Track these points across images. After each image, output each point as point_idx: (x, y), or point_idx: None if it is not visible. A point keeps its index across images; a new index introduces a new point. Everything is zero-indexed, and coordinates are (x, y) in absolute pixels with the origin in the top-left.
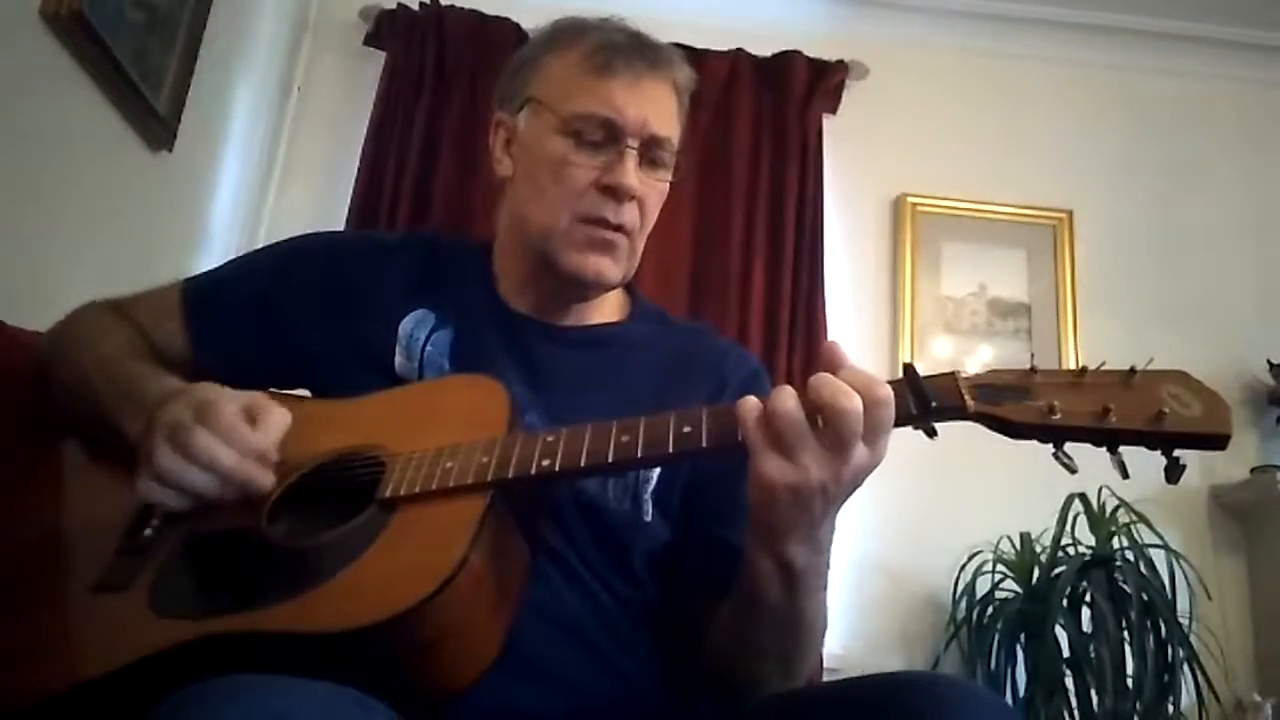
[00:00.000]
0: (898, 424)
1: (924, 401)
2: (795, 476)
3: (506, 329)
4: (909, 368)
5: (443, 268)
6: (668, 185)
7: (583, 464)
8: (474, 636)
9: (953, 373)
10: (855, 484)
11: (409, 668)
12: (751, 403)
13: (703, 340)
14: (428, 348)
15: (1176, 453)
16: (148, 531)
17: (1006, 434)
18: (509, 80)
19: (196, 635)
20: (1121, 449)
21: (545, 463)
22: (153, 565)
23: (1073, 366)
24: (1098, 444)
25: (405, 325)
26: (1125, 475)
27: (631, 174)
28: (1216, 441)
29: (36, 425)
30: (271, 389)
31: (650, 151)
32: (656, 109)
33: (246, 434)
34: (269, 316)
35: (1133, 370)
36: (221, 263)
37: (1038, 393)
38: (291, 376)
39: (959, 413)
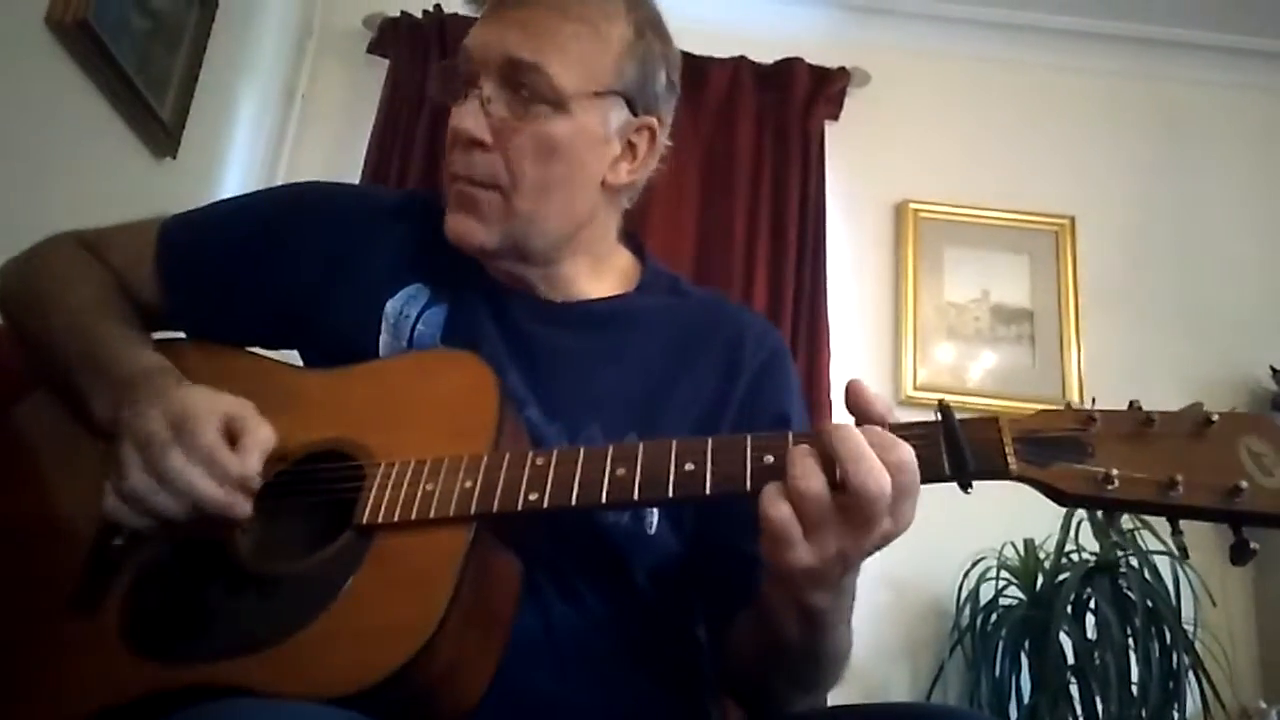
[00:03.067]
0: (927, 480)
1: (959, 460)
2: (815, 558)
3: (496, 305)
4: (945, 410)
5: (441, 234)
6: (554, 123)
7: (573, 503)
8: (463, 676)
9: (995, 418)
10: (877, 549)
11: (398, 714)
12: (773, 490)
13: (716, 314)
14: (419, 326)
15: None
16: (117, 540)
17: (1055, 502)
18: None
19: (170, 685)
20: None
21: (532, 497)
22: (122, 582)
23: (1127, 407)
24: (1158, 515)
25: (394, 303)
26: (1185, 556)
27: (465, 116)
28: None
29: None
30: (246, 349)
31: (512, 81)
32: (515, 34)
33: (228, 459)
34: (251, 271)
35: (1209, 419)
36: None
37: (1094, 449)
38: (269, 339)
39: (1000, 475)
